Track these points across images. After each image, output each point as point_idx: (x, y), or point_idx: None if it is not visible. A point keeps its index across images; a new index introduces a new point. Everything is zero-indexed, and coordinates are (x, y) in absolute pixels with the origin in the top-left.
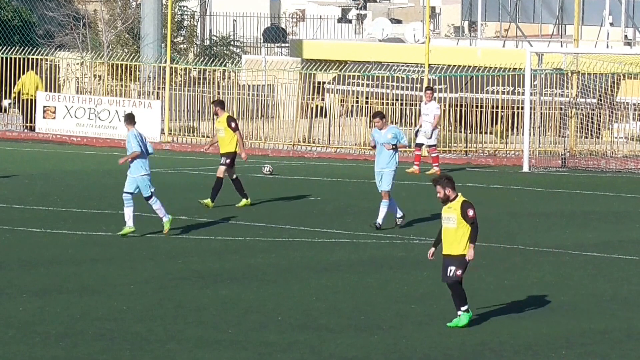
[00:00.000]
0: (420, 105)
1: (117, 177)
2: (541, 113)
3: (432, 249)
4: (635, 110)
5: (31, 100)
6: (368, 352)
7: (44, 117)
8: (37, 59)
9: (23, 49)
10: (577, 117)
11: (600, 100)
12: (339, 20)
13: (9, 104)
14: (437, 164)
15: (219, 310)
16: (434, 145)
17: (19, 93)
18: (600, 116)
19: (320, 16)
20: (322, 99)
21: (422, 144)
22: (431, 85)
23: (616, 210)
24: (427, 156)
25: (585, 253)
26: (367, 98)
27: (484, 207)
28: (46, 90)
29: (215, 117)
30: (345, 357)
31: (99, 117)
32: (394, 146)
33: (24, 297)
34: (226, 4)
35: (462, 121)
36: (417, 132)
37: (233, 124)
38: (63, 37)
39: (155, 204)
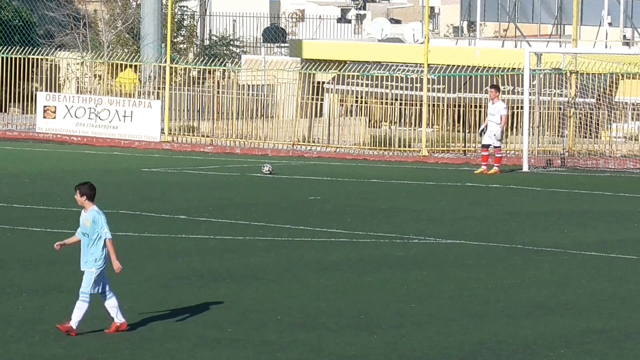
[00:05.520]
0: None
1: (117, 177)
2: (540, 113)
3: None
4: (633, 109)
5: None
6: (367, 351)
7: (44, 117)
8: (37, 59)
9: (23, 49)
10: (576, 117)
11: (599, 100)
12: (339, 20)
13: None
14: (498, 165)
15: (219, 309)
16: (499, 147)
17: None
18: (598, 116)
19: (320, 16)
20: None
21: (489, 145)
22: (497, 84)
23: (615, 209)
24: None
25: (584, 252)
26: (364, 98)
27: (483, 207)
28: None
29: None
30: (344, 356)
31: (99, 117)
32: None
33: (24, 296)
34: (226, 4)
35: (461, 121)
36: (481, 132)
37: None
38: (63, 37)
39: None
